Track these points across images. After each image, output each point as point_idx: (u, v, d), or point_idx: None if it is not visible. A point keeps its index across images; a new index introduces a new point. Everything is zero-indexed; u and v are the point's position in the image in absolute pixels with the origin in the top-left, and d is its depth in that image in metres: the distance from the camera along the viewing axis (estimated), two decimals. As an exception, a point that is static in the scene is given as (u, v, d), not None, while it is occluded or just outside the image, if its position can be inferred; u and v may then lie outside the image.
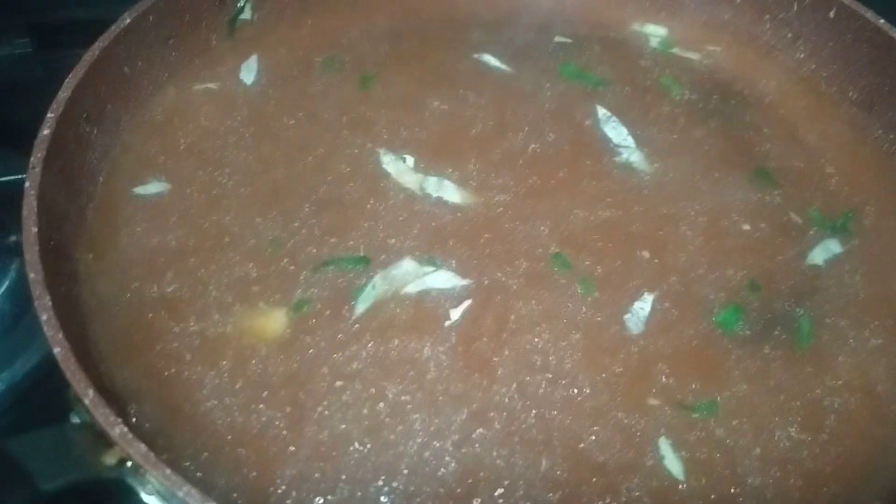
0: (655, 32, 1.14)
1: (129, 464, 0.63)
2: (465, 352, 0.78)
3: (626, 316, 0.82)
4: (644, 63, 1.09)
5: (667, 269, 0.86)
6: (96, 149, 0.88)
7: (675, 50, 1.12)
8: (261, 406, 0.74)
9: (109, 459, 0.63)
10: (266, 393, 0.75)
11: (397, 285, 0.82)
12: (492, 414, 0.75)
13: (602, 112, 1.00)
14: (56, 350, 0.65)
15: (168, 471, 0.60)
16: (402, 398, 0.75)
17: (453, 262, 0.84)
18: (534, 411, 0.76)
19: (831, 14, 1.06)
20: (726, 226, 0.91)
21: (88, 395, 0.63)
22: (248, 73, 1.01)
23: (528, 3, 1.14)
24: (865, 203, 0.97)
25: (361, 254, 0.84)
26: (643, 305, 0.83)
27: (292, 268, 0.83)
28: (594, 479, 0.73)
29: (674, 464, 0.74)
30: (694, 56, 1.11)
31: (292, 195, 0.88)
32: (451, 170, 0.92)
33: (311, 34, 1.07)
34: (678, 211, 0.91)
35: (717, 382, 0.79)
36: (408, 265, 0.84)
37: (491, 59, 1.06)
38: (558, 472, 0.73)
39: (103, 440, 0.63)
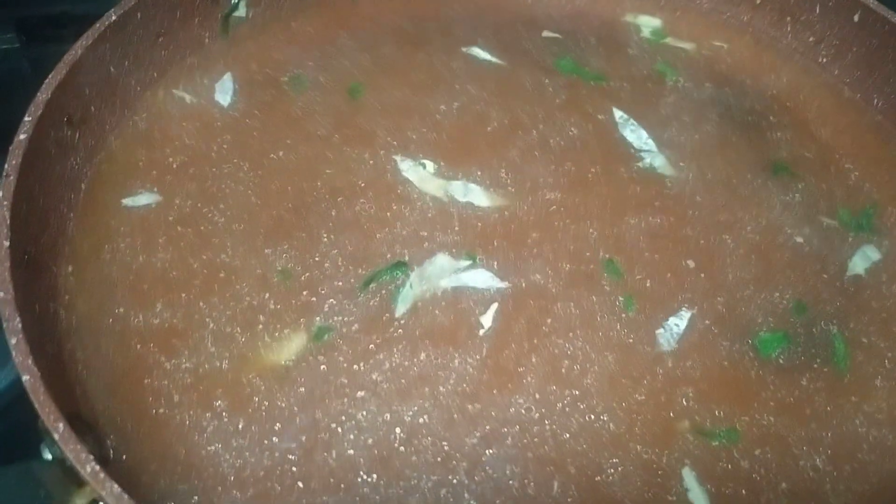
0: (648, 23, 1.10)
1: (100, 504, 0.58)
2: (493, 364, 0.75)
3: (659, 331, 0.79)
4: (635, 52, 1.05)
5: (714, 285, 0.82)
6: (79, 154, 0.83)
7: (669, 40, 1.08)
8: (274, 440, 0.70)
9: (80, 500, 0.58)
10: (279, 425, 0.70)
11: (434, 282, 0.79)
12: (505, 429, 0.71)
13: (619, 115, 0.96)
14: (25, 378, 0.60)
15: (142, 514, 0.55)
16: (419, 420, 0.71)
17: (494, 262, 0.81)
18: (548, 428, 0.72)
19: (856, 17, 1.02)
20: (770, 236, 0.87)
21: (59, 429, 0.58)
22: (224, 94, 0.93)
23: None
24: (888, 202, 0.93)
25: (398, 259, 0.80)
26: (678, 322, 0.79)
27: (314, 299, 0.77)
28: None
29: (699, 497, 0.70)
30: (688, 46, 1.08)
31: (304, 227, 0.82)
32: (476, 172, 0.88)
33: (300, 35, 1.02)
34: (715, 219, 0.88)
35: (743, 409, 0.75)
36: (442, 260, 0.81)
37: (481, 53, 1.01)
38: (569, 500, 0.69)
39: (74, 478, 0.58)
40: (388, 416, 0.71)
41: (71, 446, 0.57)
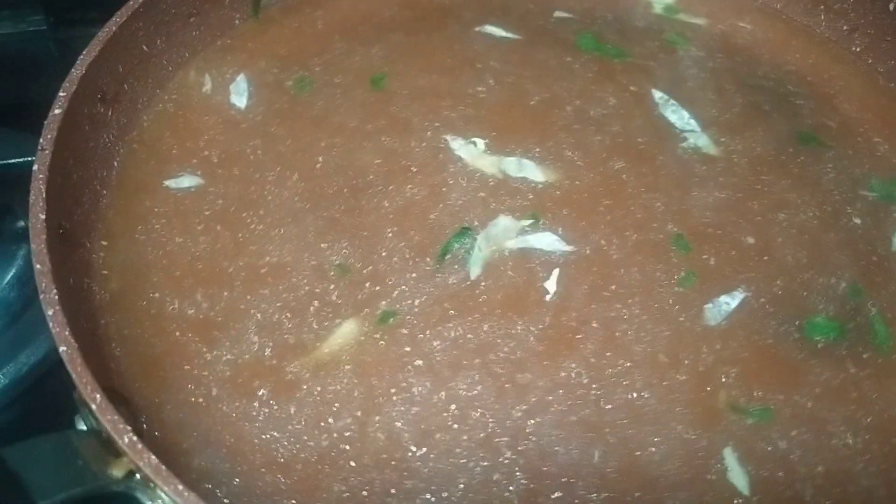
0: (661, 1, 1.08)
1: (137, 476, 0.58)
2: (553, 333, 0.75)
3: (708, 306, 0.78)
4: (646, 26, 1.05)
5: (773, 266, 0.82)
6: (112, 131, 0.83)
7: (681, 16, 1.07)
8: (330, 421, 0.69)
9: (117, 471, 0.58)
10: (337, 405, 0.70)
11: (500, 243, 0.80)
12: (550, 397, 0.72)
13: (658, 95, 0.95)
14: (62, 349, 0.60)
15: (180, 486, 0.54)
16: (472, 392, 0.72)
17: (558, 228, 0.82)
18: (593, 394, 0.72)
19: (891, 6, 1.00)
20: (826, 211, 0.87)
21: (96, 400, 0.58)
22: (239, 96, 0.91)
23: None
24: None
25: (462, 226, 0.81)
26: (729, 300, 0.78)
27: (377, 288, 0.77)
28: (638, 494, 0.68)
29: (739, 477, 0.69)
30: (701, 21, 1.06)
31: (363, 225, 0.81)
32: (528, 146, 0.88)
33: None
34: (767, 195, 0.87)
35: (784, 389, 0.74)
36: (505, 221, 0.81)
37: (496, 30, 1.00)
38: (608, 470, 0.69)
39: (111, 449, 0.58)
40: (442, 392, 0.71)
41: (108, 417, 0.57)
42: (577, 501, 0.67)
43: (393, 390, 0.71)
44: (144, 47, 0.87)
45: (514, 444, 0.69)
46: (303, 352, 0.73)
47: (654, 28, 1.04)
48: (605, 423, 0.71)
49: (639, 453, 0.69)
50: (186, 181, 0.83)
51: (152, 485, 0.56)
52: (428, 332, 0.74)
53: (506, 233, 0.81)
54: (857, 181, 0.90)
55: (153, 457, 0.56)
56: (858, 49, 1.04)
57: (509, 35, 1.00)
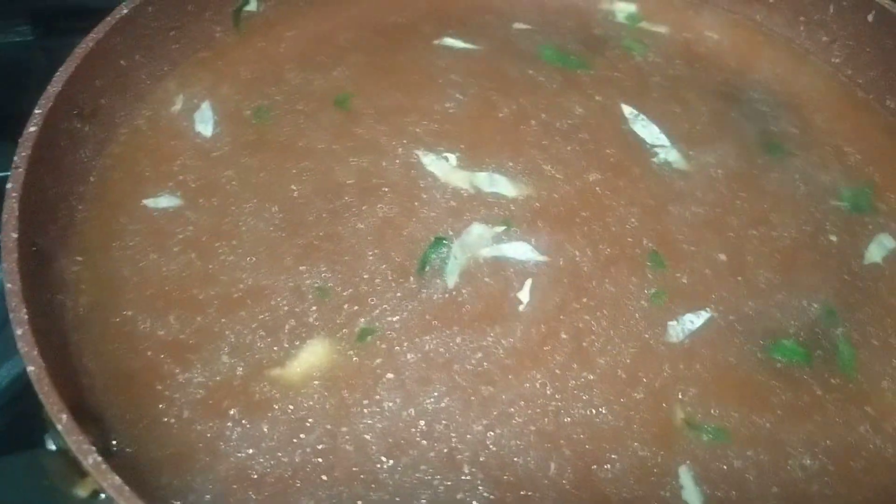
0: (624, 10, 1.09)
1: (102, 496, 0.59)
2: (522, 347, 0.76)
3: (672, 323, 0.79)
4: (607, 35, 1.05)
5: (744, 286, 0.82)
6: (88, 146, 0.84)
7: (644, 24, 1.08)
8: (302, 436, 0.70)
9: (82, 491, 0.59)
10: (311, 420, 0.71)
11: (475, 251, 0.81)
12: (512, 409, 0.73)
13: (629, 111, 0.95)
14: (30, 368, 0.61)
15: (143, 507, 0.55)
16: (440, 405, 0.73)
17: (531, 238, 0.83)
18: (553, 405, 0.73)
19: (870, 17, 1.00)
20: (801, 229, 0.87)
21: (62, 420, 0.58)
22: (204, 124, 0.90)
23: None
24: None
25: (437, 235, 0.82)
26: (694, 319, 0.79)
27: (356, 308, 0.77)
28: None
29: (694, 496, 0.70)
30: (662, 30, 1.07)
31: (342, 250, 0.81)
32: (499, 160, 0.88)
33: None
34: (740, 210, 0.88)
35: (744, 409, 0.74)
36: (478, 229, 0.83)
37: (456, 42, 1.01)
38: (564, 483, 0.69)
39: (77, 469, 0.59)
40: (410, 408, 0.72)
41: (73, 437, 0.58)
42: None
43: (365, 401, 0.72)
44: (122, 62, 0.88)
45: (476, 458, 0.70)
46: (275, 370, 0.73)
47: (615, 37, 1.05)
48: (561, 436, 0.71)
49: (595, 467, 0.70)
50: (165, 201, 0.83)
51: (116, 505, 0.57)
52: (405, 344, 0.75)
53: (480, 240, 0.82)
54: (827, 191, 0.91)
55: (117, 477, 0.57)
56: (838, 60, 1.05)
57: (469, 46, 1.00)
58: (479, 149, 0.89)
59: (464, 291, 0.79)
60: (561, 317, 0.78)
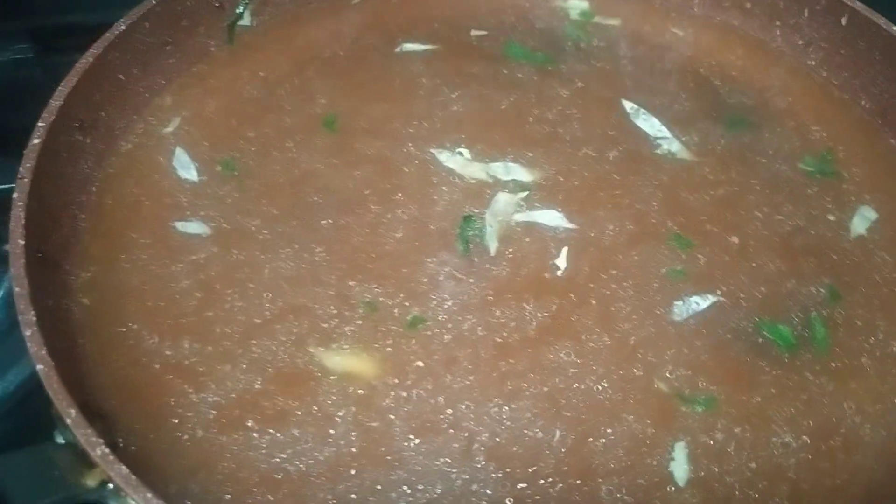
0: (577, 7, 1.12)
1: (110, 486, 0.62)
2: (553, 319, 0.80)
3: (678, 303, 0.82)
4: (564, 32, 1.09)
5: (758, 272, 0.86)
6: (89, 158, 0.87)
7: (596, 19, 1.12)
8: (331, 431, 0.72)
9: (90, 481, 0.61)
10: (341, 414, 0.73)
11: (507, 216, 0.86)
12: (524, 384, 0.76)
13: (629, 105, 0.99)
14: (39, 367, 0.64)
15: (149, 495, 0.58)
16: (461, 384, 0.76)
17: (558, 207, 0.88)
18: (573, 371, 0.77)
19: (843, 20, 1.03)
20: (783, 214, 0.92)
21: (70, 415, 0.61)
22: (186, 170, 0.89)
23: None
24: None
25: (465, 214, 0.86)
26: (700, 301, 0.82)
27: (390, 326, 0.79)
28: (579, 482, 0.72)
29: (681, 470, 0.73)
30: (614, 22, 1.11)
31: (363, 273, 0.82)
32: (513, 151, 0.93)
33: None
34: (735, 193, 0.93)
35: (735, 389, 0.78)
36: (503, 197, 0.88)
37: (416, 46, 1.04)
38: (563, 451, 0.73)
39: (85, 461, 0.61)
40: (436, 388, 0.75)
41: (81, 431, 0.61)
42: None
43: (395, 381, 0.75)
44: (121, 76, 0.91)
45: (493, 440, 0.73)
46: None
47: (571, 33, 1.09)
48: (562, 407, 0.75)
49: (590, 439, 0.73)
50: (194, 227, 0.85)
51: (123, 494, 0.60)
52: (449, 326, 0.79)
53: (507, 207, 0.87)
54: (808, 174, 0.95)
55: (123, 467, 0.59)
56: (813, 63, 1.08)
57: (430, 47, 1.04)
58: (487, 142, 0.93)
59: (507, 254, 0.83)
60: (591, 284, 0.82)
